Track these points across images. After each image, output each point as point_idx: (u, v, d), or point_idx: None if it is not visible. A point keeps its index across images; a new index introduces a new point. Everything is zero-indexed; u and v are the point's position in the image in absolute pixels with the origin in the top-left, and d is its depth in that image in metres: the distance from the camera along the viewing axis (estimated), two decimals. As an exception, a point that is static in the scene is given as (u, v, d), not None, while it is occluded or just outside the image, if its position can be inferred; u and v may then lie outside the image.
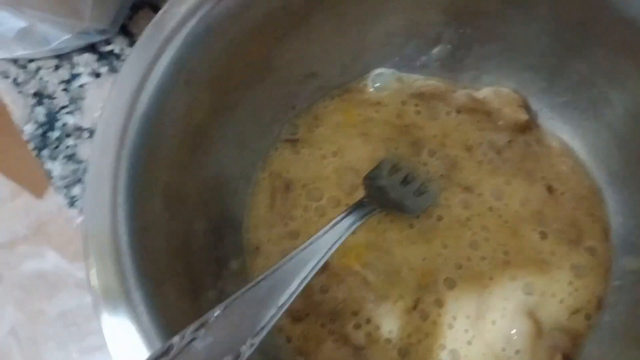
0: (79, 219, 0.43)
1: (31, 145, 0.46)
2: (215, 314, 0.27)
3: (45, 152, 0.46)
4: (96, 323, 0.28)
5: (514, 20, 0.38)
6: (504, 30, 0.39)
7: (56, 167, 0.45)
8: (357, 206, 0.35)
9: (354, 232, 0.38)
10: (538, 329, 0.36)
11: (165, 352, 0.25)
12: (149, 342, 0.27)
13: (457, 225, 0.39)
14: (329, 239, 0.32)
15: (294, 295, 0.29)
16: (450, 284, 0.38)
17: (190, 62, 0.33)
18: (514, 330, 0.36)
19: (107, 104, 0.31)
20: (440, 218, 0.40)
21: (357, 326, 0.37)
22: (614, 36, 0.34)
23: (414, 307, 0.38)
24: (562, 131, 0.42)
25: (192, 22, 0.33)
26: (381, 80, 0.44)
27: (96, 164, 0.30)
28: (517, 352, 0.36)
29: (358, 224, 0.34)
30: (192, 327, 0.26)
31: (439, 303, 0.38)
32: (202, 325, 0.26)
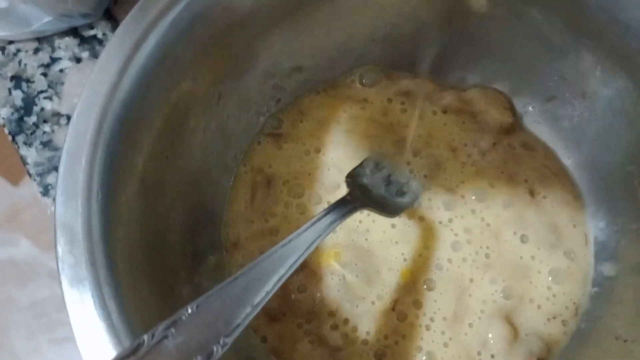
0: (53, 208, 0.42)
1: (6, 130, 0.45)
2: (188, 312, 0.26)
3: (20, 138, 0.44)
4: (67, 314, 0.27)
5: (504, 22, 0.38)
6: (493, 32, 0.39)
7: (31, 154, 0.44)
8: (339, 204, 0.34)
9: (334, 231, 0.38)
10: (514, 334, 0.36)
11: (135, 350, 0.24)
12: (118, 339, 0.26)
13: (439, 226, 0.39)
14: (309, 236, 0.31)
15: (270, 294, 0.28)
16: (430, 285, 0.38)
17: (174, 50, 0.33)
18: (490, 334, 0.36)
19: (86, 88, 0.30)
20: (422, 219, 0.39)
21: (334, 327, 0.37)
22: (605, 40, 0.34)
23: (392, 308, 0.37)
24: (546, 135, 0.42)
25: (177, 8, 0.32)
26: (369, 77, 0.43)
27: (72, 149, 0.29)
28: (493, 356, 0.36)
29: (338, 222, 0.33)
30: (162, 325, 0.25)
31: (417, 304, 0.37)
32: (173, 323, 0.25)
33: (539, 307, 0.37)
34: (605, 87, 0.37)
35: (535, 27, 0.37)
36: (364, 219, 0.39)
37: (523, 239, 0.39)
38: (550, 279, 0.38)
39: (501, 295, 0.37)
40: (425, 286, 0.38)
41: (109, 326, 0.26)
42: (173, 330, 0.25)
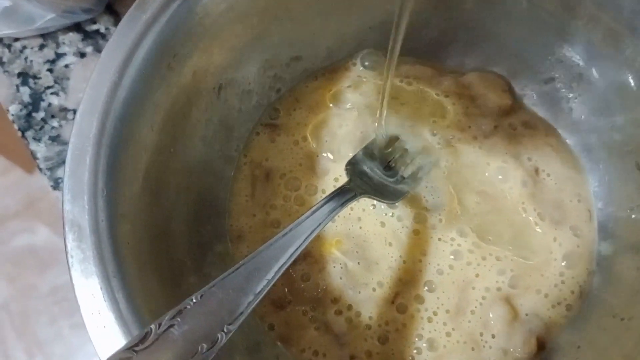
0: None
1: (16, 126, 0.46)
2: (193, 301, 0.27)
3: (29, 133, 0.45)
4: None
5: (499, 5, 0.38)
6: (488, 16, 0.39)
7: (41, 149, 0.45)
8: (337, 193, 0.35)
9: (333, 221, 0.38)
10: (514, 314, 0.37)
11: (143, 339, 0.26)
12: (127, 329, 0.27)
13: (438, 242, 0.39)
14: (309, 225, 0.32)
15: (272, 283, 0.29)
16: (431, 287, 0.38)
17: (172, 45, 0.33)
18: (491, 315, 0.37)
19: (88, 88, 0.31)
20: (417, 232, 0.39)
21: (338, 312, 0.38)
22: (597, 23, 0.34)
23: (392, 301, 0.38)
24: (546, 113, 0.42)
25: (174, 5, 0.33)
26: (370, 59, 0.43)
27: (76, 148, 0.30)
28: (494, 336, 0.37)
29: (338, 210, 0.34)
30: (169, 315, 0.26)
31: (419, 299, 0.38)
32: (179, 313, 0.26)
33: (545, 295, 0.37)
34: (598, 67, 0.37)
35: (530, 9, 0.37)
36: (355, 207, 0.39)
37: (540, 217, 0.39)
38: (563, 264, 0.38)
39: (507, 284, 0.38)
40: (426, 288, 0.38)
41: (118, 317, 0.27)
42: (179, 319, 0.26)
